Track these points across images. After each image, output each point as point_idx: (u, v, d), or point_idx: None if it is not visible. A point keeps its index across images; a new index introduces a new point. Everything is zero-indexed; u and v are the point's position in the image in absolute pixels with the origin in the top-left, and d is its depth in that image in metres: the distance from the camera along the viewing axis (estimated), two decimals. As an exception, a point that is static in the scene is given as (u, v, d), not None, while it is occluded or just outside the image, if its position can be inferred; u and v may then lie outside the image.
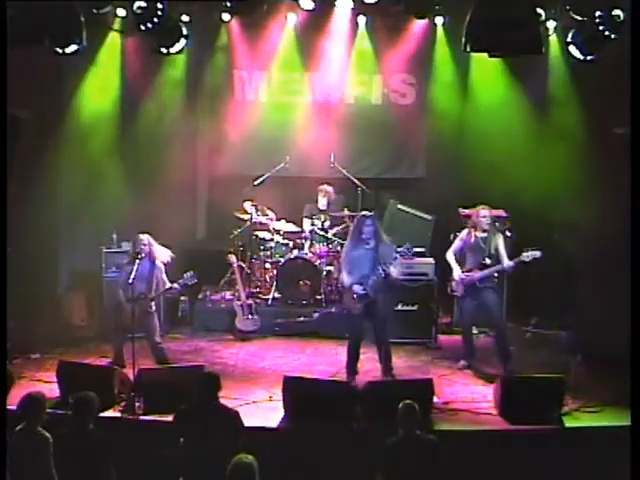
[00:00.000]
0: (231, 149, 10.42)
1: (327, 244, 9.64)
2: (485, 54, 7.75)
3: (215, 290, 9.88)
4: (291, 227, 9.91)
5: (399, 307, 8.82)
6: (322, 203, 9.84)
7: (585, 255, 8.85)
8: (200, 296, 9.74)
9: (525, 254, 7.57)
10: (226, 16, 9.57)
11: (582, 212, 8.50)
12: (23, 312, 8.17)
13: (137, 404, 6.60)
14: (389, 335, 7.74)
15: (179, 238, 9.70)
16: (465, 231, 8.04)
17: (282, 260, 9.51)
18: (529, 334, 9.17)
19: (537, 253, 7.55)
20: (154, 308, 7.75)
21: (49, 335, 8.58)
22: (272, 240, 9.72)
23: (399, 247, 7.53)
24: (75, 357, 7.80)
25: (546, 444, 6.30)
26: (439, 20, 9.49)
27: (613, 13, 7.59)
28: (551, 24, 8.89)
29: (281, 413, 6.65)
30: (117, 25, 9.18)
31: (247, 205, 9.71)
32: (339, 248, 9.21)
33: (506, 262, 7.69)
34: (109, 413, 6.51)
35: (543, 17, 8.25)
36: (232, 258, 9.47)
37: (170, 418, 5.60)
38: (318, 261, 9.47)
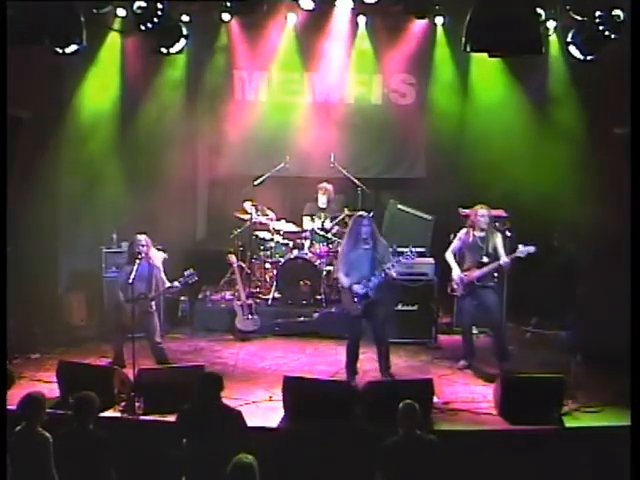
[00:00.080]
0: (231, 149, 10.42)
1: (327, 244, 9.64)
2: (485, 54, 7.75)
3: (215, 290, 9.88)
4: (291, 227, 9.91)
5: (399, 307, 8.81)
6: (322, 201, 9.85)
7: (585, 255, 8.85)
8: (200, 296, 9.74)
9: (520, 249, 7.62)
10: (226, 16, 9.56)
11: (582, 212, 8.51)
12: (23, 312, 8.17)
13: (137, 404, 6.60)
14: (389, 335, 7.74)
15: (179, 238, 9.75)
16: (464, 230, 8.05)
17: (282, 260, 9.51)
18: (529, 334, 9.17)
19: (531, 248, 7.60)
20: (154, 308, 7.76)
21: (49, 335, 8.58)
22: (272, 240, 9.72)
23: (402, 250, 7.53)
24: (75, 357, 7.80)
25: (546, 444, 6.29)
26: (439, 20, 9.49)
27: (613, 13, 7.59)
28: (551, 24, 8.90)
29: (281, 413, 6.65)
30: (117, 25, 9.19)
31: (247, 205, 9.71)
32: (339, 248, 9.20)
33: (502, 259, 7.71)
34: (109, 413, 6.51)
35: (543, 17, 8.25)
36: (232, 258, 9.47)
37: (170, 418, 5.61)
38: (318, 261, 9.47)
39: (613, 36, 7.69)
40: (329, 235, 9.68)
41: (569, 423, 6.57)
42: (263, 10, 9.00)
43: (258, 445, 5.04)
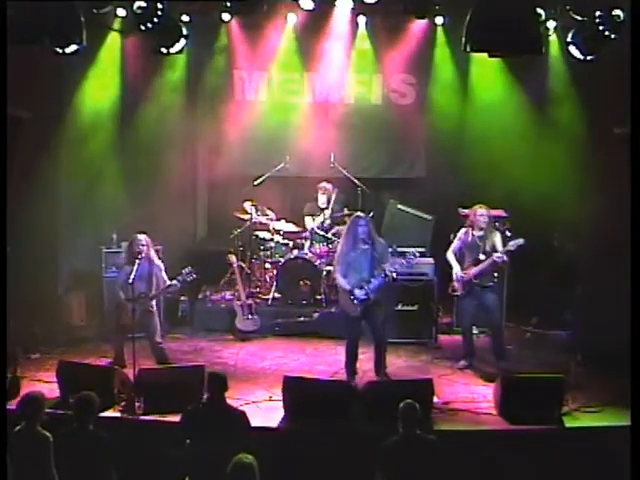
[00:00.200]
0: (231, 149, 10.41)
1: (327, 244, 9.64)
2: (485, 54, 7.74)
3: (215, 290, 9.88)
4: (291, 227, 9.91)
5: (399, 307, 8.82)
6: (322, 201, 9.85)
7: (585, 255, 8.85)
8: (200, 296, 9.74)
9: (510, 243, 7.67)
10: (226, 16, 9.57)
11: (582, 212, 8.51)
12: (23, 312, 8.17)
13: (137, 404, 6.61)
14: (388, 335, 7.74)
15: (179, 238, 9.75)
16: (463, 230, 8.07)
17: (282, 260, 9.51)
18: (529, 334, 9.17)
19: (520, 241, 7.65)
20: (154, 307, 7.76)
21: (49, 335, 8.59)
22: (272, 240, 9.73)
23: (403, 250, 7.52)
24: (75, 357, 7.80)
25: (546, 444, 6.30)
26: (439, 20, 9.48)
27: (613, 13, 7.59)
28: (551, 24, 8.90)
29: (281, 413, 6.65)
30: (117, 25, 9.19)
31: (247, 205, 9.71)
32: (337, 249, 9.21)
33: (495, 255, 7.72)
34: (109, 413, 6.51)
35: (543, 17, 8.25)
36: (232, 258, 9.47)
37: (170, 418, 5.60)
38: (318, 261, 9.47)
39: (613, 36, 7.69)
40: (329, 235, 9.68)
41: (569, 423, 6.57)
42: (263, 10, 8.99)
43: (258, 445, 5.04)
